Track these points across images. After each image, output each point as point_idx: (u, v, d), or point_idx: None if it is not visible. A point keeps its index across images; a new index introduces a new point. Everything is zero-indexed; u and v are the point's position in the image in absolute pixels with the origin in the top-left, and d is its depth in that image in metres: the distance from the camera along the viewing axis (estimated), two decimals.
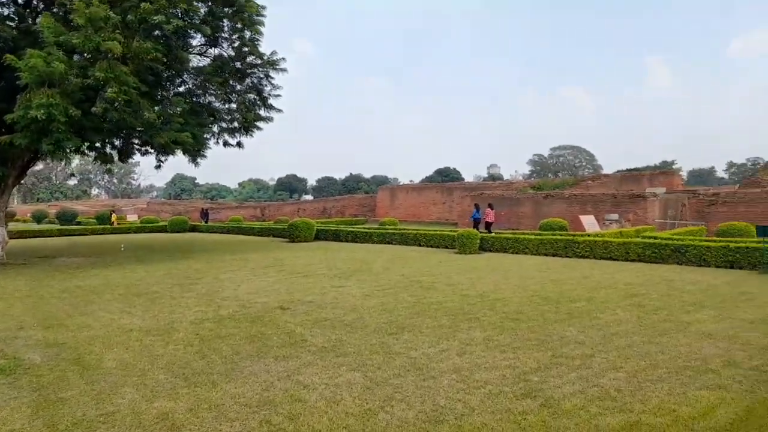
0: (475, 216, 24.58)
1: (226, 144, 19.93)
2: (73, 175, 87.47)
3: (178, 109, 15.54)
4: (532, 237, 19.11)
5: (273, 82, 19.76)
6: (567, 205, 26.72)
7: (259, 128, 19.84)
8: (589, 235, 18.65)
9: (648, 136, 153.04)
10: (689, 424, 4.59)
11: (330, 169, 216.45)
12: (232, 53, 18.10)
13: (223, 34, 18.03)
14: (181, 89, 18.38)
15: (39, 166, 72.31)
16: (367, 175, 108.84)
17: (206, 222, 41.05)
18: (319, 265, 16.09)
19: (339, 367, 6.26)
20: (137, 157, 20.15)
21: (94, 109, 13.64)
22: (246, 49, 17.65)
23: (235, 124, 19.36)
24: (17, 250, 21.76)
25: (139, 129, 15.18)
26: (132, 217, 47.71)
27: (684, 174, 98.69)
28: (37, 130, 13.36)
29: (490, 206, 24.45)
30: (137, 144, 18.26)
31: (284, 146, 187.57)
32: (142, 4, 13.70)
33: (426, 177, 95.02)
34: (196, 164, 18.50)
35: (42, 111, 12.54)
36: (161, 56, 13.89)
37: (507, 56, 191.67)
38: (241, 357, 6.73)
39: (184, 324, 8.62)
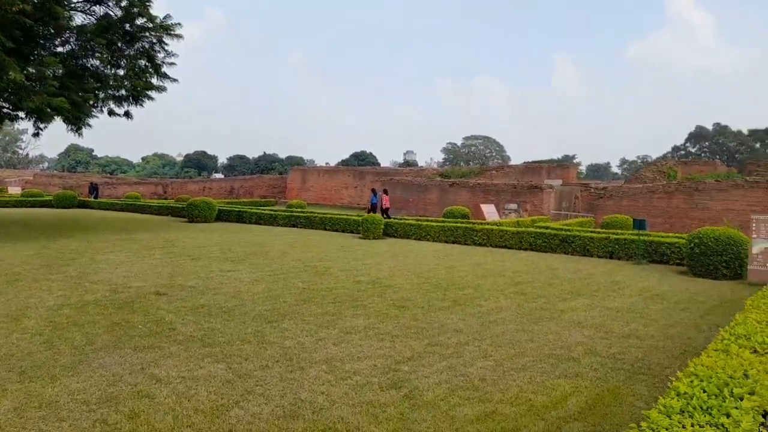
0: (373, 201, 24.66)
1: (111, 113, 18.32)
2: None
3: (54, 70, 13.96)
4: (434, 224, 19.44)
5: (167, 48, 18.42)
6: (471, 193, 27.53)
7: (150, 98, 18.44)
8: (487, 224, 19.27)
9: (553, 130, 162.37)
10: (542, 413, 4.70)
11: (243, 147, 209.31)
12: (120, 13, 16.54)
13: None
14: (61, 49, 16.58)
15: None
16: (283, 155, 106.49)
17: (95, 198, 38.06)
18: (212, 248, 15.32)
19: (203, 358, 5.85)
20: (22, 123, 18.08)
21: None
22: (135, 10, 16.19)
23: (123, 91, 17.82)
24: None
25: (5, 90, 13.47)
26: (14, 190, 43.34)
27: (583, 168, 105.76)
28: None
29: (385, 192, 24.63)
30: (6, 107, 16.28)
31: (194, 120, 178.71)
32: None
33: (342, 160, 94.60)
34: (79, 133, 16.87)
35: None
36: (29, 8, 12.33)
37: (427, 42, 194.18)
38: (94, 348, 6.11)
39: (39, 310, 7.75)
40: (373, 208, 24.37)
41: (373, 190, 25.42)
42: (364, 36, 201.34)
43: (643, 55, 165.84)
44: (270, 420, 4.39)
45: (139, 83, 17.13)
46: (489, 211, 23.07)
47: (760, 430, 3.35)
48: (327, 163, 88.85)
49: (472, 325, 7.68)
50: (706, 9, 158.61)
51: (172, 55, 18.41)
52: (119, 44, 16.74)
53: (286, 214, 23.96)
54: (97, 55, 16.25)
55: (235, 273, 11.29)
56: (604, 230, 18.10)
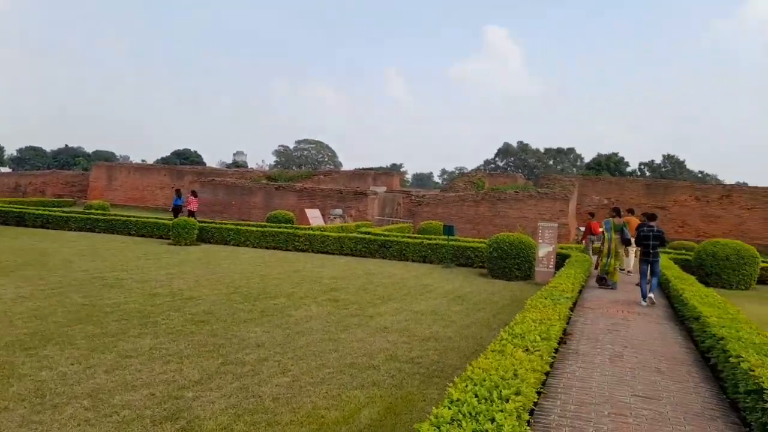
0: (176, 203, 22.85)
1: None
2: None
3: None
4: (254, 229, 18.60)
5: None
6: (298, 197, 27.15)
7: None
8: (310, 229, 19.03)
9: (384, 138, 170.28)
10: (334, 430, 4.43)
11: (39, 137, 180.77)
12: None
13: None
14: None
15: None
16: (89, 149, 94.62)
17: None
18: None
19: None
20: None
21: None
22: None
23: None
24: None
25: None
26: None
27: (409, 177, 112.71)
28: None
29: (194, 194, 23.13)
30: None
31: None
32: None
33: (162, 158, 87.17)
34: None
35: None
36: None
37: (262, 41, 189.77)
38: None
39: None
40: (176, 211, 22.44)
41: (178, 191, 23.43)
42: (203, 30, 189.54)
43: (464, 75, 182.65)
44: None
45: None
46: (314, 216, 22.93)
47: (527, 429, 3.48)
48: (143, 161, 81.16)
49: (276, 337, 7.23)
50: (516, 41, 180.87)
51: None
52: None
53: (82, 216, 20.96)
54: None
55: None
56: (419, 236, 19.05)
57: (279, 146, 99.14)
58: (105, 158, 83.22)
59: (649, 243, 10.01)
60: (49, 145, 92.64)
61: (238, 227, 18.95)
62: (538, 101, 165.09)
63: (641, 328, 7.49)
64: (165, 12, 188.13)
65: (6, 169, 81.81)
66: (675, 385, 5.03)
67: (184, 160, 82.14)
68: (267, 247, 18.17)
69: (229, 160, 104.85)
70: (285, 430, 4.39)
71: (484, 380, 3.75)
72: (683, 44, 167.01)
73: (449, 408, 3.27)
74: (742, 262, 14.26)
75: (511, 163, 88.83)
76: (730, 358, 4.75)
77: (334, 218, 24.37)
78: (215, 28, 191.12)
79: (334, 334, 7.55)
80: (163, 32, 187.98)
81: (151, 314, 8.08)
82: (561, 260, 14.42)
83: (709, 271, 14.57)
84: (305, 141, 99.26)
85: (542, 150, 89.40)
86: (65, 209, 24.09)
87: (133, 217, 21.22)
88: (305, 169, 58.45)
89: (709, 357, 5.65)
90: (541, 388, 4.69)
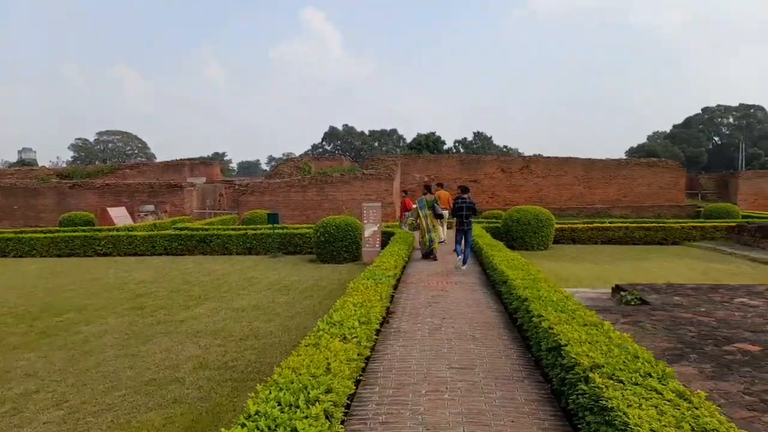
0: None
1: None
2: None
3: None
4: (42, 236, 15.80)
5: None
6: (99, 196, 23.87)
7: None
8: (114, 230, 16.76)
9: (203, 126, 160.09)
10: None
11: None
12: None
13: None
14: None
15: None
16: None
17: None
18: None
19: None
20: None
21: None
22: None
23: None
24: None
25: None
26: None
27: (235, 165, 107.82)
28: None
29: None
30: None
31: None
32: None
33: None
34: None
35: None
36: None
37: (50, 22, 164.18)
38: None
39: None
40: None
41: None
42: None
43: (284, 57, 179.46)
44: None
45: None
46: (118, 215, 20.31)
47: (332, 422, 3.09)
48: None
49: (55, 362, 5.94)
50: (334, 24, 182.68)
51: None
52: None
53: None
54: None
55: None
56: (243, 227, 17.99)
57: (76, 140, 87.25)
58: None
59: (463, 214, 10.72)
60: None
61: (20, 235, 15.92)
62: (359, 84, 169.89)
63: (458, 298, 7.72)
64: None
65: None
66: (487, 351, 5.13)
67: None
68: (60, 255, 15.59)
69: (14, 159, 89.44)
70: None
71: (292, 382, 3.26)
72: (483, 30, 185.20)
73: (243, 426, 2.72)
74: (540, 225, 15.97)
75: (338, 147, 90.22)
76: (533, 318, 4.94)
77: (146, 215, 21.96)
78: None
79: (133, 347, 6.48)
80: None
81: None
82: (388, 238, 14.66)
83: (515, 235, 16.07)
84: (108, 132, 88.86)
85: (367, 132, 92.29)
86: None
87: None
88: (110, 163, 51.92)
89: (516, 318, 5.92)
90: (361, 375, 4.38)
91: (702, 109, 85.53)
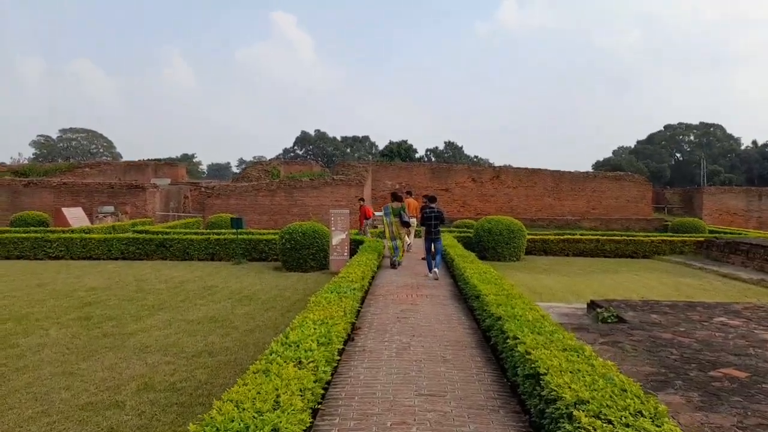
0: None
1: None
2: None
3: None
4: None
5: None
6: (55, 195, 22.74)
7: None
8: (67, 232, 15.84)
9: (171, 127, 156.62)
10: None
11: None
12: None
13: None
14: None
15: None
16: None
17: None
18: None
19: None
20: None
21: None
22: None
23: None
24: None
25: None
26: None
27: (204, 167, 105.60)
28: None
29: None
30: None
31: None
32: None
33: None
34: None
35: None
36: None
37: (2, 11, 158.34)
38: None
39: None
40: None
41: None
42: None
43: (253, 60, 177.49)
44: None
45: None
46: (74, 216, 19.30)
47: None
48: None
49: None
50: (306, 30, 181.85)
51: None
52: None
53: None
54: None
55: None
56: (207, 231, 17.28)
57: (38, 136, 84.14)
58: None
59: (431, 223, 10.87)
60: None
61: None
62: (330, 90, 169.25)
63: (429, 313, 7.33)
64: None
65: None
66: (459, 375, 4.73)
67: None
68: (9, 258, 14.63)
69: None
70: None
71: (232, 420, 2.79)
72: (451, 40, 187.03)
73: None
74: (512, 236, 15.77)
75: (310, 152, 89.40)
76: (508, 340, 4.58)
77: (104, 217, 20.98)
78: None
79: (74, 364, 5.87)
80: None
81: None
82: (357, 246, 14.21)
83: (487, 246, 15.83)
84: (72, 130, 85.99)
85: (339, 138, 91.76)
86: None
87: None
88: (73, 161, 49.93)
89: (490, 336, 5.56)
90: (320, 402, 3.93)
91: (664, 126, 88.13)
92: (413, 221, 14.40)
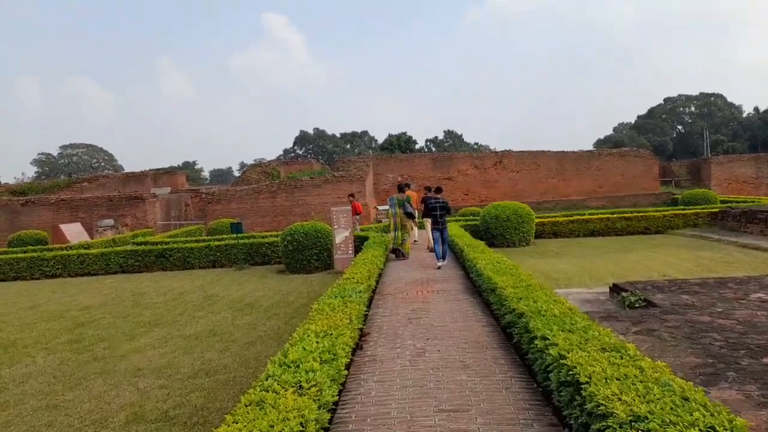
0: None
1: None
2: None
3: None
4: None
5: None
6: (54, 212, 22.28)
7: None
8: (63, 248, 15.39)
9: (171, 136, 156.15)
10: None
11: None
12: None
13: None
14: None
15: None
16: None
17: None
18: None
19: None
20: None
21: None
22: None
23: None
24: None
25: None
26: None
27: (206, 174, 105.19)
28: None
29: None
30: None
31: None
32: None
33: None
34: None
35: None
36: None
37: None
38: None
39: None
40: None
41: None
42: None
43: (247, 64, 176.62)
44: None
45: None
46: (73, 232, 18.84)
47: None
48: None
49: None
50: (297, 29, 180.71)
51: None
52: None
53: None
54: None
55: None
56: (207, 238, 16.80)
57: (39, 155, 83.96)
58: None
59: (437, 213, 10.81)
60: None
61: None
62: (326, 87, 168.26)
63: (442, 311, 6.80)
64: None
65: None
66: (482, 383, 4.20)
67: None
68: (5, 279, 14.19)
69: None
70: None
71: None
72: (442, 29, 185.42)
73: None
74: (520, 221, 15.20)
75: (310, 151, 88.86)
76: (536, 341, 4.04)
77: (104, 230, 20.52)
78: None
79: (59, 395, 5.39)
80: None
81: None
82: (362, 242, 13.69)
83: (495, 233, 15.27)
84: (72, 146, 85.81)
85: (338, 135, 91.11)
86: None
87: None
88: (74, 176, 49.51)
89: (512, 334, 5.03)
90: (327, 429, 3.43)
91: (664, 100, 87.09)
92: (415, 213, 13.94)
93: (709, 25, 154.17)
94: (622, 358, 3.33)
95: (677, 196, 26.96)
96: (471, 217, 19.22)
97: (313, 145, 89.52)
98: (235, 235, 14.69)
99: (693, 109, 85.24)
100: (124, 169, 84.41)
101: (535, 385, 4.07)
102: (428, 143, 79.36)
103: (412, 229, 14.74)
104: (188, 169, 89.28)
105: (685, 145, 77.93)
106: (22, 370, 6.35)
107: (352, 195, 16.64)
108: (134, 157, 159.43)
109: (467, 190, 32.55)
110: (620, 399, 2.72)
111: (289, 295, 10.00)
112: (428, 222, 14.28)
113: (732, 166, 34.27)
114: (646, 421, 2.49)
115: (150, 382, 5.62)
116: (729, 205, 19.80)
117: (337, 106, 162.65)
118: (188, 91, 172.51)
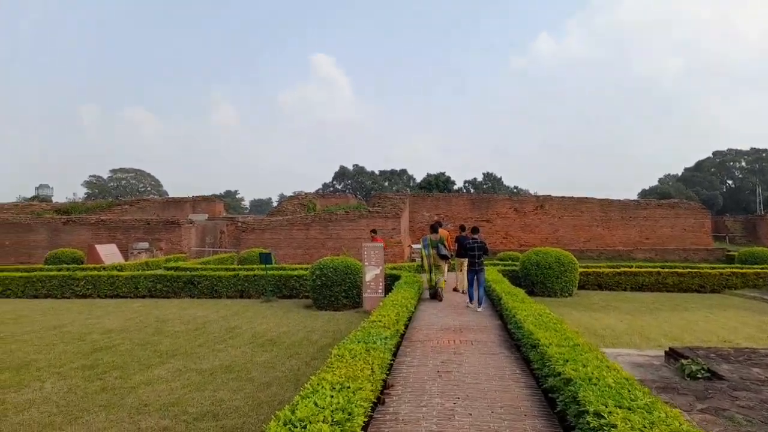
0: None
1: None
2: None
3: None
4: (17, 274, 14.52)
5: None
6: (93, 232, 22.72)
7: None
8: (94, 269, 15.44)
9: (218, 166, 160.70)
10: None
11: None
12: None
13: None
14: None
15: None
16: None
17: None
18: None
19: None
20: None
21: None
22: None
23: None
24: None
25: None
26: None
27: (247, 203, 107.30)
28: None
29: None
30: None
31: None
32: None
33: None
34: None
35: None
36: None
37: (66, 65, 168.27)
38: None
39: None
40: None
41: None
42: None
43: (294, 100, 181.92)
44: None
45: None
46: (108, 253, 19.03)
47: None
48: None
49: None
50: (344, 70, 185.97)
51: None
52: None
53: None
54: None
55: None
56: (236, 267, 16.60)
57: (90, 176, 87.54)
58: None
59: (475, 254, 10.60)
60: None
61: None
62: (367, 125, 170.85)
63: (475, 365, 6.17)
64: None
65: None
66: None
67: None
68: (36, 296, 14.26)
69: (30, 194, 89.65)
70: None
71: None
72: (485, 75, 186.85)
73: None
74: (563, 269, 14.38)
75: (348, 186, 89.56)
76: (586, 416, 3.41)
77: (139, 253, 20.67)
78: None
79: (56, 428, 5.01)
80: None
81: None
82: (393, 281, 13.16)
83: (535, 280, 14.48)
84: (122, 170, 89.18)
85: (377, 172, 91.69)
86: None
87: None
88: (122, 199, 51.22)
89: (554, 399, 4.38)
90: None
91: (713, 153, 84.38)
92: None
93: (758, 78, 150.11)
94: None
95: (733, 253, 25.40)
96: (510, 261, 18.46)
97: (352, 181, 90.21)
98: (264, 266, 14.40)
99: (744, 164, 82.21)
100: (168, 194, 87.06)
101: None
102: (467, 184, 78.75)
103: (448, 271, 14.20)
104: (229, 197, 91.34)
105: (735, 201, 74.75)
106: (27, 395, 6.03)
107: (374, 231, 16.25)
108: (179, 183, 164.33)
109: (506, 234, 31.71)
110: None
111: (314, 333, 9.50)
112: (461, 262, 13.75)
113: None
114: None
115: (153, 422, 5.18)
116: None
117: (378, 144, 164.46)
118: (236, 123, 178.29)
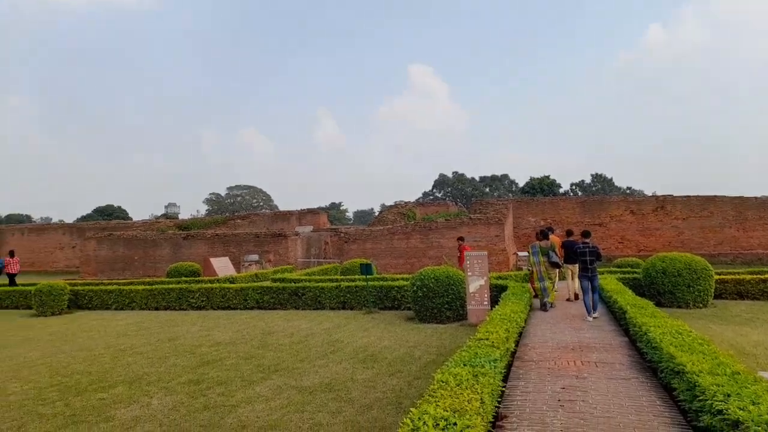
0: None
1: None
2: None
3: None
4: (141, 288, 15.56)
5: None
6: (209, 246, 24.13)
7: None
8: (207, 281, 16.19)
9: (324, 179, 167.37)
10: None
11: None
12: None
13: None
14: None
15: None
16: (3, 212, 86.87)
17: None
18: None
19: None
20: None
21: None
22: None
23: None
24: None
25: None
26: None
27: (350, 214, 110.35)
28: None
29: (11, 254, 19.94)
30: None
31: None
32: None
33: (83, 216, 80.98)
34: None
35: None
36: None
37: (188, 90, 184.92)
38: None
39: None
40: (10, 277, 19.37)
41: (11, 252, 20.37)
42: (125, 80, 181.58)
43: (395, 111, 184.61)
44: None
45: None
46: (221, 266, 20.03)
47: None
48: (61, 220, 74.94)
49: None
50: (442, 78, 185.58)
51: None
52: None
53: None
54: None
55: None
56: (339, 278, 16.59)
57: (210, 194, 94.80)
58: (18, 221, 76.28)
59: (587, 259, 10.15)
60: None
61: (121, 288, 15.84)
62: (467, 133, 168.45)
63: (603, 392, 5.30)
64: (74, 71, 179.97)
65: None
66: None
67: (107, 216, 76.62)
68: (157, 308, 15.19)
69: (160, 213, 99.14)
70: None
71: None
72: (589, 72, 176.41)
73: None
74: (695, 276, 12.65)
75: (448, 194, 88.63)
76: None
77: (249, 265, 21.56)
78: (132, 85, 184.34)
79: None
80: (74, 91, 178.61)
81: None
82: (499, 292, 12.34)
83: (662, 289, 12.87)
84: (237, 187, 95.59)
85: (478, 179, 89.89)
86: None
87: None
88: (237, 214, 54.88)
89: None
90: None
91: None
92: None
93: None
94: None
95: None
96: (629, 269, 16.73)
97: (452, 188, 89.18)
98: (364, 277, 14.20)
99: None
100: (278, 208, 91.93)
101: None
102: (573, 187, 74.55)
103: (558, 279, 13.16)
104: (334, 209, 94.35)
105: None
106: (135, 412, 6.12)
107: (461, 238, 15.42)
108: (289, 197, 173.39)
109: (621, 238, 29.22)
110: None
111: (416, 349, 9.00)
112: (570, 269, 12.67)
113: None
114: None
115: None
116: None
117: (477, 150, 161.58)
118: (339, 136, 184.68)
